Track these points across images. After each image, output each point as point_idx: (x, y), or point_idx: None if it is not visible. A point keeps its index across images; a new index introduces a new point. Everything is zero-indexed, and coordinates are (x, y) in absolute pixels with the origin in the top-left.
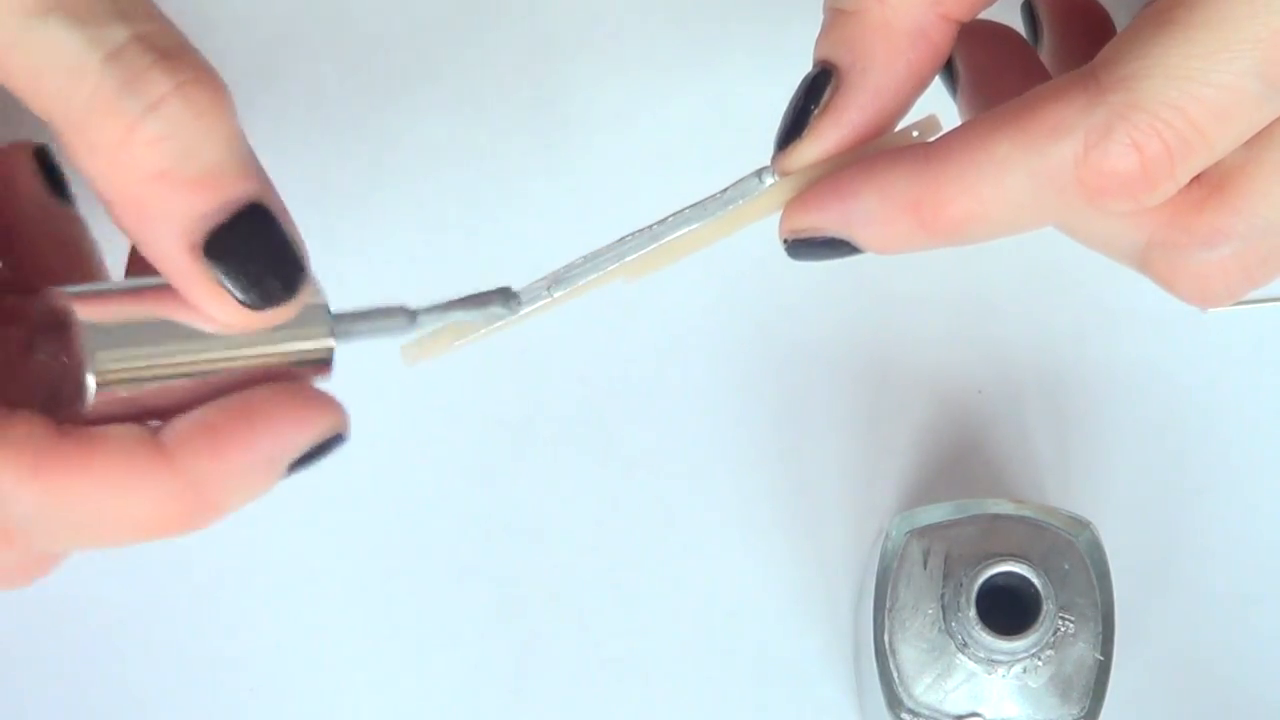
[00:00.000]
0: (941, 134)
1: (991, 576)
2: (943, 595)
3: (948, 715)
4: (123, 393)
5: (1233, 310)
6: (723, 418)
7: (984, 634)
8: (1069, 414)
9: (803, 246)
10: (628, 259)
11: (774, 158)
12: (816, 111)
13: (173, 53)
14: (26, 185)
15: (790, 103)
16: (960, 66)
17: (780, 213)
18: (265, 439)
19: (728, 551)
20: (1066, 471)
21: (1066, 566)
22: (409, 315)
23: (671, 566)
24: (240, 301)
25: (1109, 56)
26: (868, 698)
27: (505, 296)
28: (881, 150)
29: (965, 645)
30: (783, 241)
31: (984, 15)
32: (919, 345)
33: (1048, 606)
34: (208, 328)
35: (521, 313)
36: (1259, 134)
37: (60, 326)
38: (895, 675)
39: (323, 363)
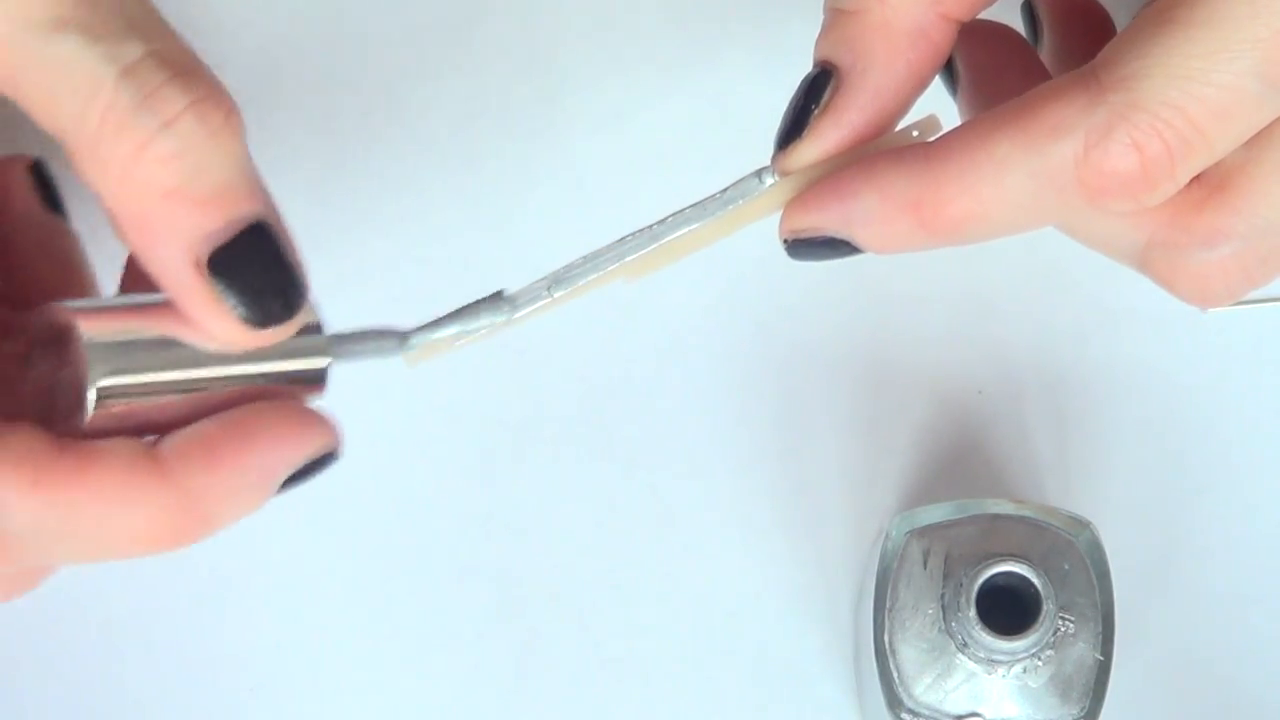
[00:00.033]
0: (941, 134)
1: (991, 576)
2: (943, 595)
3: (948, 715)
4: (120, 407)
5: (1233, 310)
6: (723, 418)
7: (984, 634)
8: (1069, 414)
9: (803, 246)
10: (628, 259)
11: (774, 158)
12: (817, 111)
13: (187, 70)
14: (21, 199)
15: (790, 103)
16: (960, 66)
17: (780, 213)
18: (260, 455)
19: (728, 551)
20: (1066, 471)
21: (1066, 566)
22: (400, 337)
23: (671, 566)
24: (241, 319)
25: (1109, 56)
26: (868, 698)
27: (495, 302)
28: (881, 150)
29: (965, 645)
30: (783, 241)
31: (984, 15)
32: (919, 345)
33: (1048, 606)
34: (207, 345)
35: (522, 313)
36: (1259, 134)
37: (59, 341)
38: (895, 675)
39: (317, 381)
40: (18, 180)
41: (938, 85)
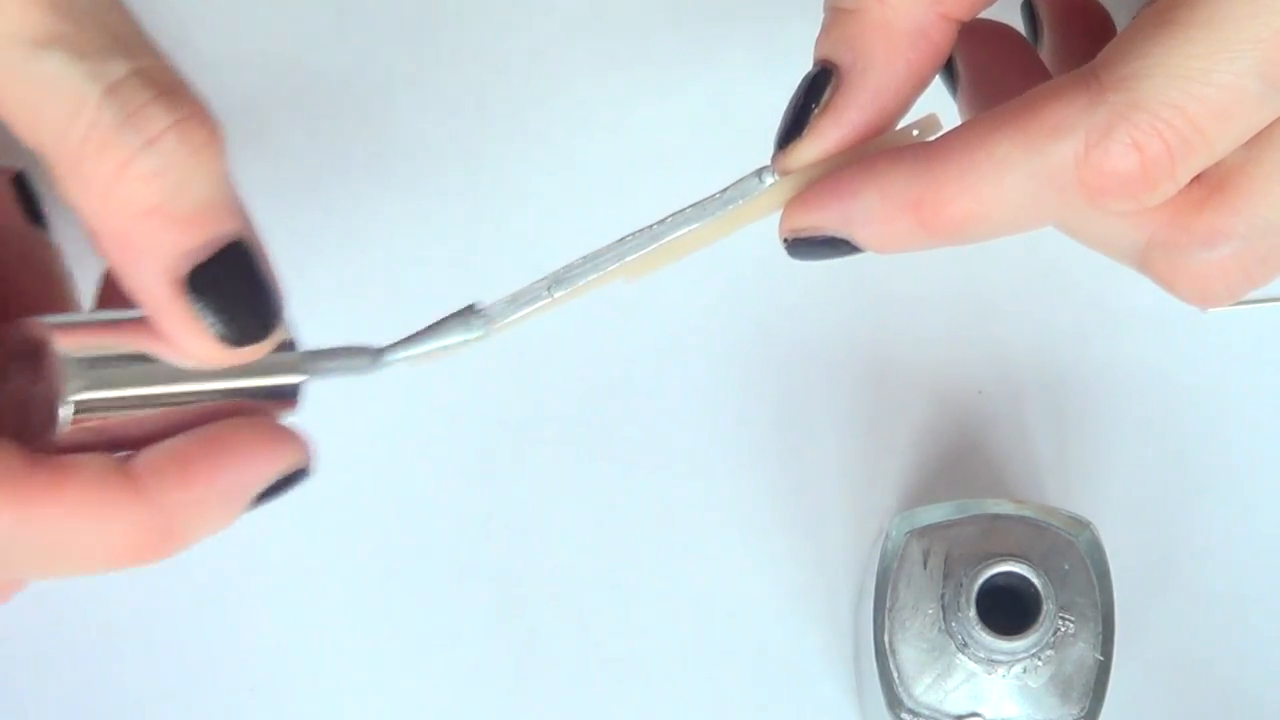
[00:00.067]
0: (942, 133)
1: (991, 576)
2: (943, 595)
3: (948, 715)
4: (94, 422)
5: (1233, 310)
6: (723, 418)
7: (984, 634)
8: (1069, 414)
9: (803, 246)
10: (628, 259)
11: (774, 157)
12: (817, 110)
13: (171, 89)
14: (3, 211)
15: (790, 102)
16: (960, 66)
17: (780, 212)
18: (232, 471)
19: (728, 551)
20: (1066, 471)
21: (1066, 566)
22: (374, 354)
23: (671, 566)
24: (217, 338)
25: (1110, 56)
26: (868, 698)
27: (467, 316)
28: (881, 150)
29: (965, 645)
30: (783, 241)
31: (984, 15)
32: (919, 345)
33: (1048, 606)
34: (182, 362)
35: (522, 313)
36: (1259, 134)
37: (34, 355)
38: (895, 675)
39: (290, 398)
40: (0, 192)
41: (938, 85)
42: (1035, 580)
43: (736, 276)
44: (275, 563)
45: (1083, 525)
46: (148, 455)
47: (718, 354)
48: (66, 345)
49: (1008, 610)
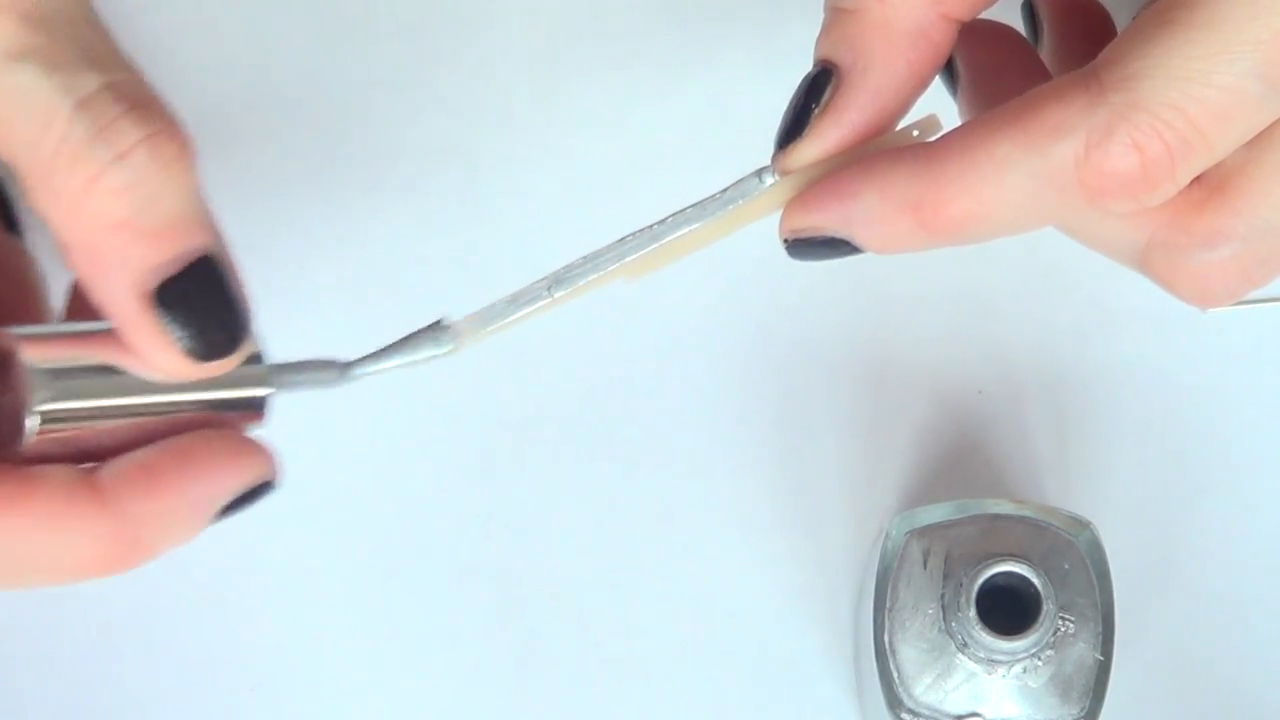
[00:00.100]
0: (942, 134)
1: (991, 576)
2: (943, 595)
3: (948, 715)
4: (61, 433)
5: (1233, 310)
6: (723, 418)
7: (984, 634)
8: (1069, 414)
9: (803, 246)
10: (628, 259)
11: (774, 157)
12: (817, 111)
13: (143, 103)
14: None
15: (790, 102)
16: (961, 66)
17: (780, 213)
18: (199, 483)
19: (728, 551)
20: (1066, 471)
21: (1066, 566)
22: (341, 368)
23: (671, 566)
24: (185, 352)
25: (1110, 57)
26: (868, 698)
27: (435, 332)
28: (882, 150)
29: (965, 645)
30: (783, 241)
31: (984, 15)
32: (919, 345)
33: (1048, 606)
34: (150, 375)
35: (521, 314)
36: (1259, 135)
37: (1, 366)
38: (895, 675)
39: (257, 410)
40: None
41: (938, 85)
42: (1035, 580)
43: (736, 276)
44: (275, 563)
45: (1083, 525)
46: (114, 466)
47: (718, 354)
48: (34, 356)
49: (1008, 610)
